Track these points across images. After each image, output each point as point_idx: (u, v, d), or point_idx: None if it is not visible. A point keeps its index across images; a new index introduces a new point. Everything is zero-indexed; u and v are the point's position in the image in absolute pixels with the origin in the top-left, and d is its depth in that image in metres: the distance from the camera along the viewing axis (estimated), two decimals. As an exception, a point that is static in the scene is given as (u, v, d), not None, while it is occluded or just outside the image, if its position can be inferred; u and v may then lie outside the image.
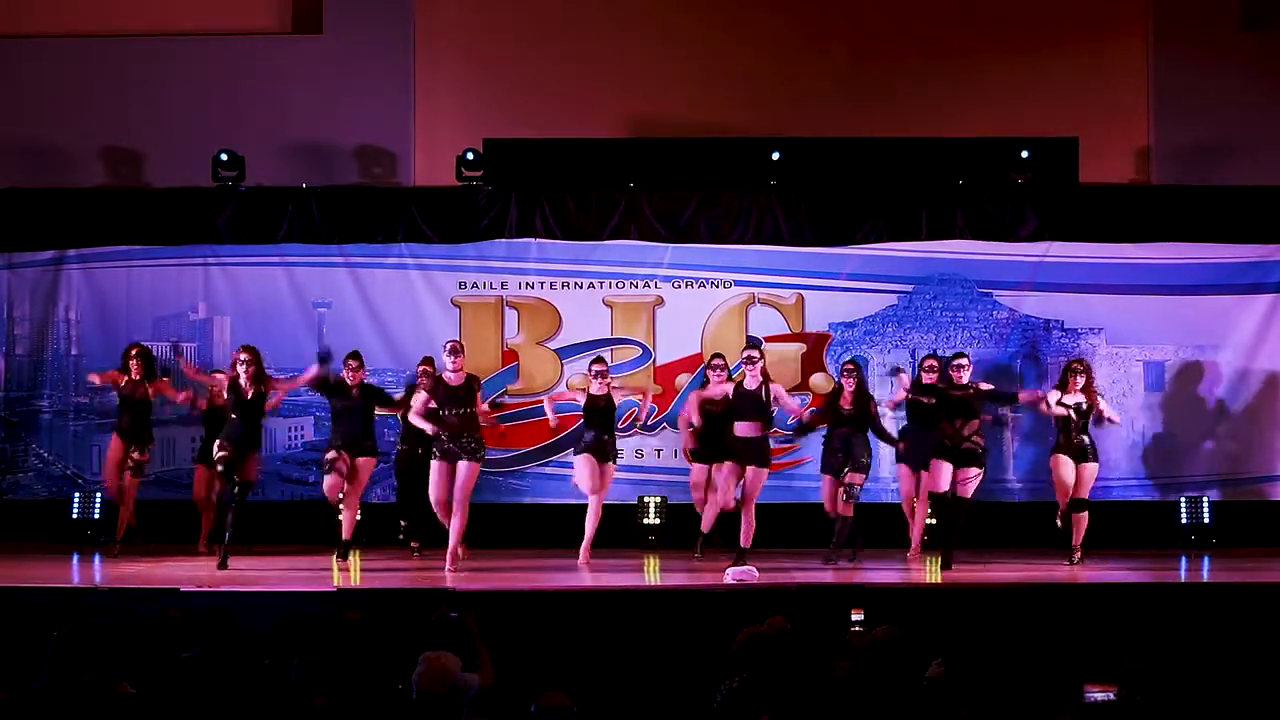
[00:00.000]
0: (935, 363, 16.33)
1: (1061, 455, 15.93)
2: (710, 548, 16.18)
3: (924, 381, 16.23)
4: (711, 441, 15.85)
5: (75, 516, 17.74)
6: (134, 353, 16.42)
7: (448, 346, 15.24)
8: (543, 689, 7.60)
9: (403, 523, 16.91)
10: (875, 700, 8.16)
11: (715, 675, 8.32)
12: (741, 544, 15.10)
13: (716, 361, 16.12)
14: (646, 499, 17.57)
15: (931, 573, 15.27)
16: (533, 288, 18.06)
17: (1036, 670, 9.01)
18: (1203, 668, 10.20)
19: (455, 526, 15.08)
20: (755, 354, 15.44)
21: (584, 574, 15.24)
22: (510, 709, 8.31)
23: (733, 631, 8.62)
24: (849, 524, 15.86)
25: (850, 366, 16.31)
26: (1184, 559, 16.75)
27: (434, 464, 15.08)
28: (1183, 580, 15.49)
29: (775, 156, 17.67)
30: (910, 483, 16.42)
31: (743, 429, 15.22)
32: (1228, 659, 11.06)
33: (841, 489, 15.86)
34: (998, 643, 11.49)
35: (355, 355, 16.25)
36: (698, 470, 16.34)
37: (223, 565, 15.00)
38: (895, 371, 16.88)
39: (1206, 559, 16.71)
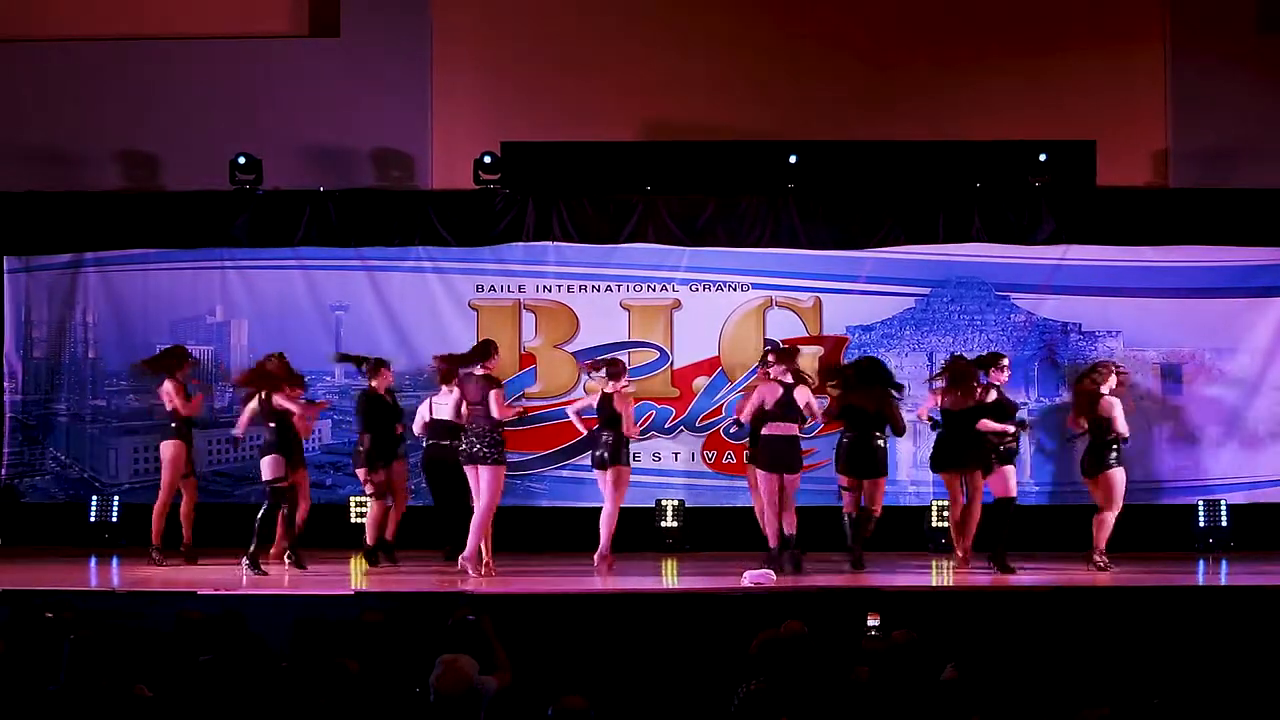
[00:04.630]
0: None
1: (1122, 469, 15.91)
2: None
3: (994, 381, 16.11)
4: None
5: (93, 520, 17.75)
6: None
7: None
8: (560, 692, 7.61)
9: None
10: (891, 703, 8.16)
11: (733, 678, 8.32)
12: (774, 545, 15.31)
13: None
14: (664, 502, 17.56)
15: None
16: (550, 291, 18.06)
17: (1050, 673, 9.00)
18: (1220, 671, 10.18)
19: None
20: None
21: (601, 577, 15.25)
22: (528, 712, 8.32)
23: (750, 635, 8.63)
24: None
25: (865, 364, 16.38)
26: (1201, 562, 16.76)
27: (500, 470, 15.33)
28: (1201, 584, 15.50)
29: (792, 160, 17.63)
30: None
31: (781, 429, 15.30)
32: (1245, 662, 11.04)
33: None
34: (1011, 646, 11.48)
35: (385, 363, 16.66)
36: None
37: (257, 568, 15.28)
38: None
39: (1224, 562, 16.71)
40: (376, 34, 18.75)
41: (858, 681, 8.48)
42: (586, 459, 17.11)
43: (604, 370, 15.84)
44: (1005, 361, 16.23)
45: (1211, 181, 18.07)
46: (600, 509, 15.80)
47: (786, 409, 15.36)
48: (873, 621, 12.14)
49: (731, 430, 17.68)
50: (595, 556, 15.60)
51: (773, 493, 15.38)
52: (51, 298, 18.23)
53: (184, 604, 12.23)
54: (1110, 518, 15.82)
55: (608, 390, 15.76)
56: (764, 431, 15.45)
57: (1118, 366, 16.34)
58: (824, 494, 17.01)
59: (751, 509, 16.56)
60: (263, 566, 15.31)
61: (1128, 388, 16.41)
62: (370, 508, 16.29)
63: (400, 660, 9.09)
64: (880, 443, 16.05)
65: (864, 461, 16.02)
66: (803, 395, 15.41)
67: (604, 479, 15.73)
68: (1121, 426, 15.79)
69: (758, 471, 15.61)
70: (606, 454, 15.65)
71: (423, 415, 16.36)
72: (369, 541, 16.16)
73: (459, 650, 8.19)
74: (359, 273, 18.07)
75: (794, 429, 15.40)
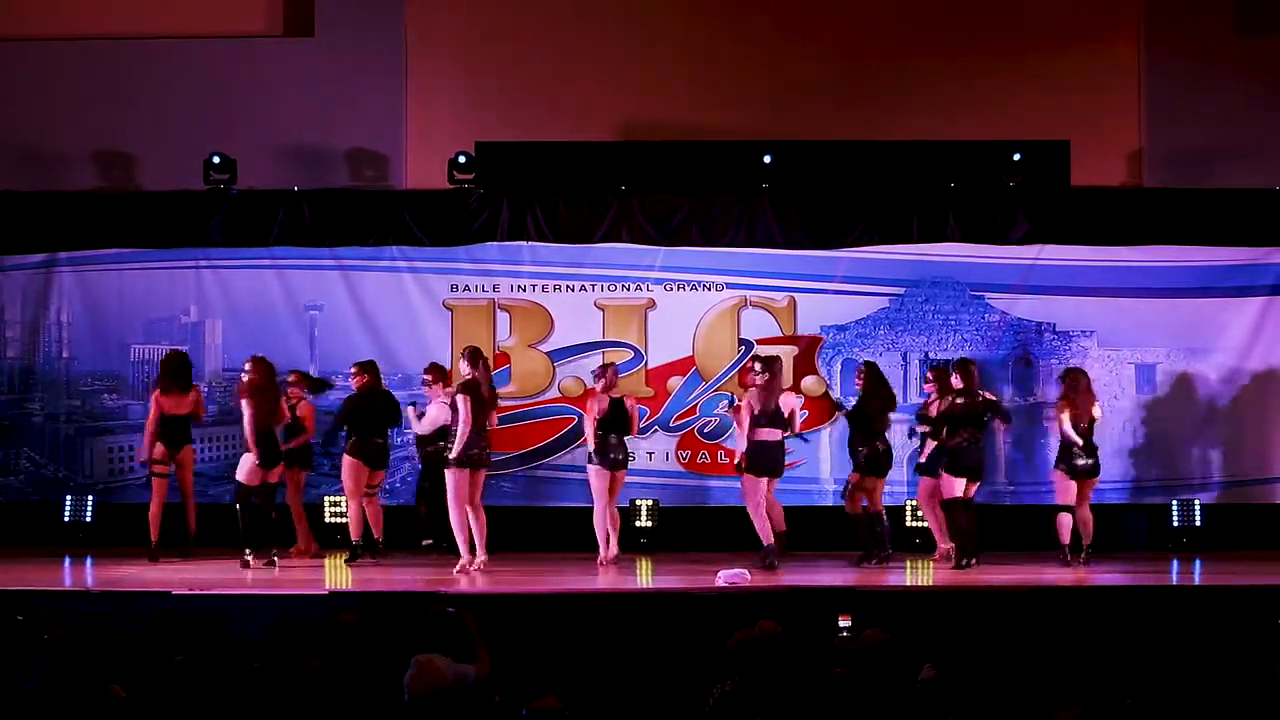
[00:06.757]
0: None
1: (1069, 479, 16.04)
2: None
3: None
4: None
5: (67, 520, 17.71)
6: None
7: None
8: (535, 693, 7.60)
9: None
10: (866, 703, 8.16)
11: (708, 678, 8.32)
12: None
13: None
14: (639, 502, 17.53)
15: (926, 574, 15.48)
16: (525, 290, 18.03)
17: (1023, 673, 9.00)
18: (1194, 671, 10.20)
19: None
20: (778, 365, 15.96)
21: (575, 577, 15.26)
22: (503, 713, 8.31)
23: (725, 634, 8.62)
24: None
25: (863, 369, 16.48)
26: (1176, 562, 16.79)
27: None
28: (1174, 583, 15.54)
29: (767, 160, 17.63)
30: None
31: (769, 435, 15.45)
32: (1219, 662, 11.06)
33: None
34: (987, 646, 11.48)
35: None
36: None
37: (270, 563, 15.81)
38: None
39: (1198, 562, 16.72)
40: (351, 34, 18.74)
41: (832, 681, 8.48)
42: (560, 458, 17.20)
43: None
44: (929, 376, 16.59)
45: (1186, 182, 18.11)
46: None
47: (773, 416, 15.45)
48: (844, 623, 12.14)
49: (706, 430, 17.73)
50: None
51: (760, 494, 15.49)
52: (25, 297, 18.18)
53: (159, 604, 12.20)
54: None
55: (614, 395, 16.00)
56: (754, 438, 15.51)
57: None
58: (804, 494, 17.09)
59: (726, 508, 16.68)
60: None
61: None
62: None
63: (374, 660, 9.06)
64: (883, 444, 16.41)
65: (881, 462, 16.35)
66: (788, 403, 15.50)
67: (619, 478, 16.09)
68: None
69: (747, 475, 15.66)
70: (623, 455, 16.12)
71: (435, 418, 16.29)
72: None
73: (438, 642, 8.19)
74: (333, 272, 18.04)
75: (778, 434, 15.52)
